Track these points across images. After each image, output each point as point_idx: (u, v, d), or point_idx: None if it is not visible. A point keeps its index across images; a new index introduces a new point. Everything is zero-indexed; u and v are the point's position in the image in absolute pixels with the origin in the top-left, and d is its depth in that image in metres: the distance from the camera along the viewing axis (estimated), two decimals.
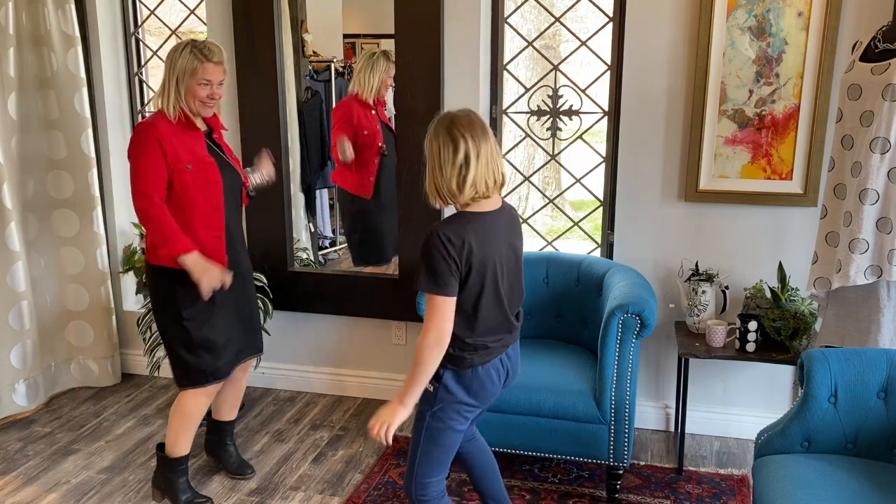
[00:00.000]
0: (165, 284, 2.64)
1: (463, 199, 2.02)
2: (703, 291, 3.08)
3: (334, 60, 4.00)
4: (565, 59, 3.59)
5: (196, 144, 2.62)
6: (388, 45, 3.66)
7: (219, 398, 2.99)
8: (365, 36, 3.99)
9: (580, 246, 4.11)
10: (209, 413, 3.05)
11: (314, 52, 3.95)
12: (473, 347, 2.09)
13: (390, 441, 2.07)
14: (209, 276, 2.54)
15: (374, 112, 3.75)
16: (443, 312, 2.00)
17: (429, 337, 2.00)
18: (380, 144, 3.76)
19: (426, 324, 2.01)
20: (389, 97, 3.76)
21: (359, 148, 3.75)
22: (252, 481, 3.04)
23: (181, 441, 2.79)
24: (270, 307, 3.55)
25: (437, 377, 2.10)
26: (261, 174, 2.94)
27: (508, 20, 3.41)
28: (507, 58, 3.46)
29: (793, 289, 3.00)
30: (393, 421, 2.04)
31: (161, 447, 2.83)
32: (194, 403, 2.76)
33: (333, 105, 3.99)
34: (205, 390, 2.76)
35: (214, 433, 3.08)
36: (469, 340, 2.08)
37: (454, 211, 2.09)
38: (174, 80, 2.55)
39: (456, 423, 2.16)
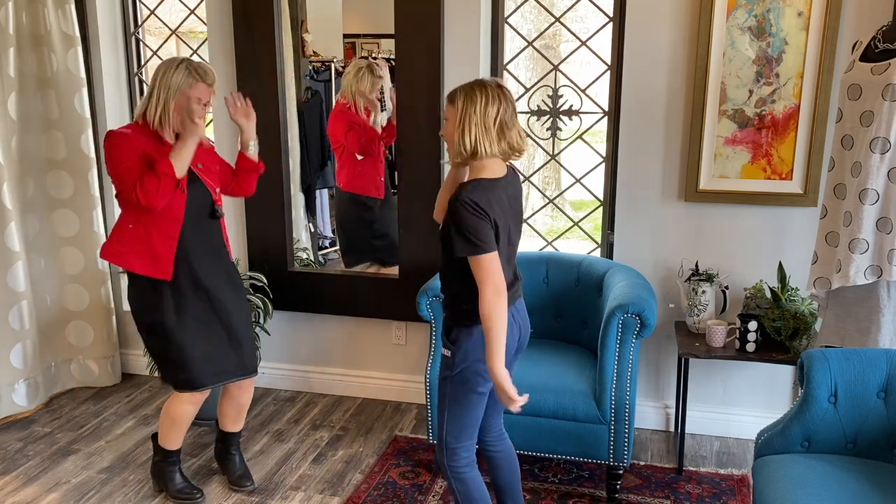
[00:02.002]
0: (135, 292, 2.70)
1: (492, 154, 2.11)
2: (703, 291, 3.08)
3: (335, 60, 4.00)
4: (565, 59, 3.58)
5: (165, 156, 2.60)
6: (388, 45, 3.66)
7: (220, 409, 3.00)
8: (365, 36, 3.99)
9: (580, 246, 4.10)
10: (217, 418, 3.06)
11: (314, 52, 3.95)
12: None
13: (520, 399, 2.10)
14: (192, 127, 2.52)
15: (364, 116, 3.78)
16: (492, 267, 2.06)
17: (487, 294, 2.06)
18: (382, 146, 3.81)
19: (481, 285, 2.06)
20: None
21: (364, 145, 3.79)
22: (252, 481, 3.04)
23: (170, 439, 2.87)
24: (270, 307, 3.55)
25: (453, 341, 2.20)
26: (245, 141, 2.81)
27: (508, 20, 3.41)
28: (507, 58, 3.46)
29: (793, 289, 3.00)
30: (505, 387, 2.07)
31: (155, 437, 2.92)
32: (178, 409, 2.79)
33: (334, 105, 3.99)
34: (189, 398, 2.75)
35: (221, 441, 3.07)
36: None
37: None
38: (164, 94, 2.55)
39: (477, 384, 2.22)
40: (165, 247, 2.61)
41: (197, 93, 2.56)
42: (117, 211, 3.91)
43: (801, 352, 2.84)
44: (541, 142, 3.57)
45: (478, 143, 2.10)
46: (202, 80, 2.57)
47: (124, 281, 3.97)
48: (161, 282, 2.63)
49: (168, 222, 2.61)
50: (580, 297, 3.15)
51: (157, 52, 3.96)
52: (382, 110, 3.83)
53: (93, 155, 3.72)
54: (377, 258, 3.91)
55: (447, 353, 2.22)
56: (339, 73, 4.02)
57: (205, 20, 3.62)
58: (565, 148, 3.53)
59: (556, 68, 3.39)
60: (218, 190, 2.76)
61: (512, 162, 2.24)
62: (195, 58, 3.61)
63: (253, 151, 2.83)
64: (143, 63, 3.96)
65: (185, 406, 2.78)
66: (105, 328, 3.89)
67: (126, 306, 4.03)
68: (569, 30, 3.53)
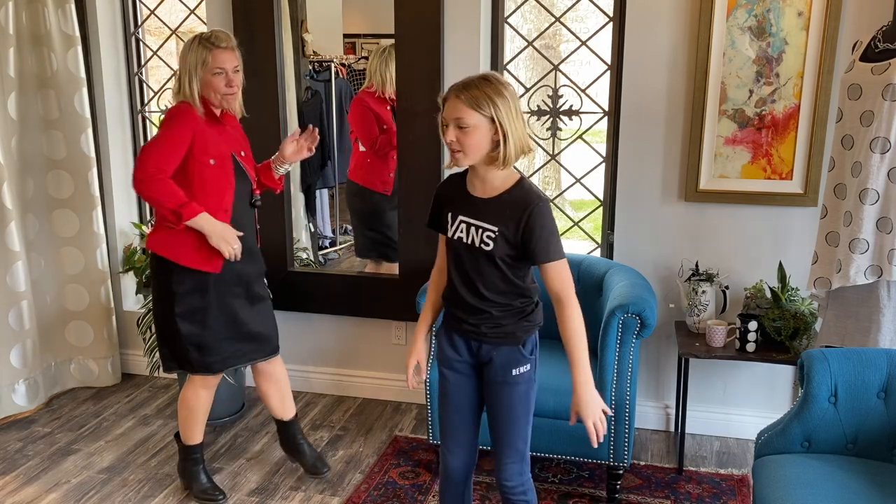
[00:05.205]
0: (162, 276, 2.67)
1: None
2: (703, 291, 3.08)
3: (343, 59, 3.99)
4: (565, 59, 3.58)
5: (223, 141, 2.62)
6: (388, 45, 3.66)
7: (261, 393, 2.99)
8: (365, 36, 3.99)
9: (580, 246, 4.10)
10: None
11: (314, 52, 3.95)
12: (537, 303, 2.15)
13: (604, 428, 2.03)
14: (226, 240, 2.55)
15: (389, 107, 3.73)
16: (569, 271, 1.98)
17: (574, 301, 1.99)
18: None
19: (568, 291, 1.98)
20: None
21: (379, 143, 3.75)
22: (252, 482, 3.04)
23: (189, 431, 2.86)
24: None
25: (531, 352, 2.13)
26: (282, 163, 2.83)
27: (508, 20, 3.41)
28: (507, 58, 3.46)
29: (793, 289, 3.00)
30: (601, 406, 2.04)
31: (178, 436, 2.93)
32: (193, 395, 2.81)
33: (333, 105, 3.99)
34: (202, 381, 2.79)
35: (283, 433, 3.04)
36: (536, 298, 2.13)
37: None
38: (188, 76, 2.55)
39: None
40: None
41: (216, 62, 2.54)
42: (118, 211, 3.95)
43: (801, 352, 2.84)
44: (541, 142, 3.57)
45: (524, 142, 1.92)
46: (216, 47, 2.55)
47: (126, 280, 4.02)
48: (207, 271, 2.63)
49: (220, 214, 2.59)
50: (580, 297, 3.12)
51: (157, 52, 3.96)
52: None
53: (93, 155, 3.72)
54: (382, 254, 3.90)
55: (525, 369, 2.11)
56: (338, 74, 4.02)
57: (205, 20, 3.62)
58: (565, 148, 3.53)
59: (556, 68, 3.39)
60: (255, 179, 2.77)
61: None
62: None
63: (282, 172, 2.86)
64: (143, 63, 3.96)
65: (199, 391, 2.80)
66: (105, 328, 3.89)
67: (126, 306, 4.04)
68: (569, 30, 3.53)
